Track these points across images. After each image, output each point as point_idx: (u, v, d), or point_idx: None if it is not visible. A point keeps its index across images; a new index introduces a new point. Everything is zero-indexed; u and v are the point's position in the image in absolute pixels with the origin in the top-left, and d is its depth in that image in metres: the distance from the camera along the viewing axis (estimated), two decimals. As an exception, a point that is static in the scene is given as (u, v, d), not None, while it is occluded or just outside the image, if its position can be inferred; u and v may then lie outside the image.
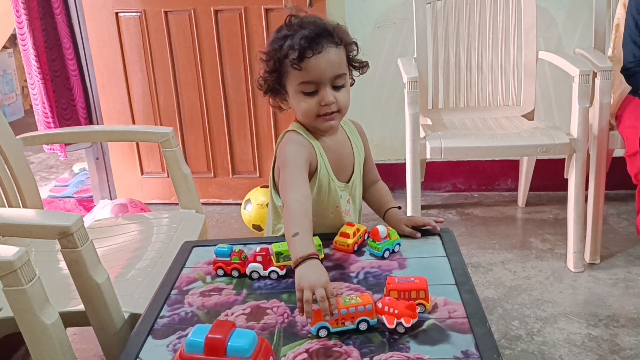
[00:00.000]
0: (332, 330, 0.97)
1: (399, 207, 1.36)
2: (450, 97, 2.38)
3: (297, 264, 1.03)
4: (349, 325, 0.97)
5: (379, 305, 0.99)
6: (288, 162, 1.22)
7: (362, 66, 1.29)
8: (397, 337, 0.96)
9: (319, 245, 1.17)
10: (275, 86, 1.26)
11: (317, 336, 0.97)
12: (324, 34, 1.19)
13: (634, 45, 2.00)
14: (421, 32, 2.31)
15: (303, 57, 1.18)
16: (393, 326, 0.96)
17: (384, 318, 0.98)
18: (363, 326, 0.98)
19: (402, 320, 0.95)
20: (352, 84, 1.29)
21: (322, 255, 1.18)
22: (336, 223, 1.30)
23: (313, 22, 1.21)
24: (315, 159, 1.26)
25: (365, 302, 0.98)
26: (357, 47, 1.26)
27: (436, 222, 1.29)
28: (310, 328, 0.98)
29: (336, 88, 1.22)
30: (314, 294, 0.96)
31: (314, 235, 1.16)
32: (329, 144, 1.29)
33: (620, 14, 2.16)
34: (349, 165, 1.33)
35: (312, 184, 1.27)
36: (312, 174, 1.27)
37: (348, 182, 1.33)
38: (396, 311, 0.96)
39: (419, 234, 1.28)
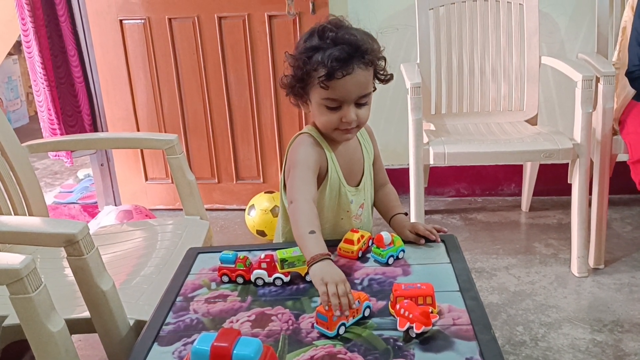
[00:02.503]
0: (347, 325, 1.00)
1: (406, 214, 1.37)
2: (454, 103, 2.38)
3: (315, 262, 1.05)
4: (358, 316, 1.02)
5: (397, 307, 1.00)
6: (298, 163, 1.24)
7: (388, 79, 1.27)
8: (401, 344, 0.97)
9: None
10: (298, 91, 1.25)
11: (334, 338, 0.99)
12: (356, 55, 1.18)
13: (639, 48, 2.00)
14: (424, 38, 2.32)
15: (332, 78, 1.17)
16: (403, 329, 0.97)
17: (397, 319, 0.99)
18: (367, 312, 1.03)
19: (413, 325, 0.96)
20: (374, 90, 1.28)
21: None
22: (347, 228, 1.31)
23: (347, 39, 1.17)
24: (326, 163, 1.27)
25: (357, 295, 1.02)
26: (385, 61, 1.25)
27: (439, 230, 1.29)
28: (328, 332, 0.99)
29: (359, 105, 1.23)
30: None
31: None
32: (340, 150, 1.31)
33: (627, 17, 2.15)
34: (359, 170, 1.34)
35: (323, 188, 1.28)
36: (322, 178, 1.28)
37: (358, 185, 1.33)
38: (410, 315, 0.97)
39: (422, 240, 1.28)
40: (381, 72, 1.25)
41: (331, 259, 1.07)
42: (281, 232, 1.40)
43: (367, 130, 1.41)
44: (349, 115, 1.21)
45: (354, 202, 1.32)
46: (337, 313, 0.98)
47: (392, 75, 1.27)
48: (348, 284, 1.00)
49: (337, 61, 1.15)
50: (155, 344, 1.02)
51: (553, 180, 2.59)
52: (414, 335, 0.97)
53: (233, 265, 1.18)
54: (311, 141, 1.28)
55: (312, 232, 1.11)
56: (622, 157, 2.10)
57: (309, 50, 1.19)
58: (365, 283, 1.15)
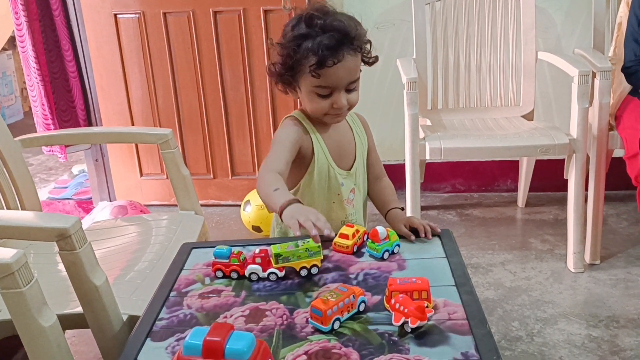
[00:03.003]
0: (342, 320, 0.99)
1: (402, 208, 1.36)
2: (450, 98, 2.38)
3: (284, 208, 1.08)
4: (353, 311, 1.01)
5: (392, 301, 0.99)
6: (275, 142, 1.27)
7: (374, 62, 1.29)
8: (396, 338, 0.96)
9: (318, 246, 1.16)
10: (287, 79, 1.26)
11: (329, 333, 0.98)
12: (346, 42, 1.18)
13: (635, 43, 2.00)
14: (420, 33, 2.31)
15: (323, 66, 1.18)
16: (398, 324, 0.96)
17: (392, 314, 0.98)
18: (362, 307, 1.02)
19: (409, 320, 0.95)
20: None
21: (322, 257, 1.18)
22: (339, 213, 1.31)
23: (335, 26, 1.18)
24: (311, 146, 1.28)
25: (351, 290, 1.02)
26: (371, 44, 1.27)
27: (433, 229, 1.28)
28: (322, 327, 0.98)
29: (349, 90, 1.24)
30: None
31: None
32: (329, 133, 1.31)
33: (623, 12, 2.15)
34: (350, 153, 1.34)
35: (311, 171, 1.29)
36: (308, 162, 1.29)
37: (350, 169, 1.33)
38: (406, 310, 0.96)
39: (413, 237, 1.27)
40: (367, 55, 1.26)
41: (301, 202, 1.10)
42: (276, 229, 1.40)
43: (360, 119, 1.41)
44: (340, 101, 1.22)
45: (344, 185, 1.32)
46: (314, 232, 1.03)
47: (377, 57, 1.29)
48: (321, 215, 1.05)
49: (327, 49, 1.16)
50: (149, 339, 1.01)
51: (549, 176, 2.59)
52: (409, 330, 0.96)
53: (227, 260, 1.17)
54: (293, 123, 1.29)
55: (276, 189, 1.14)
56: (618, 152, 2.10)
57: (297, 39, 1.20)
58: (360, 278, 1.15)
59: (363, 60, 1.26)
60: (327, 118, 1.27)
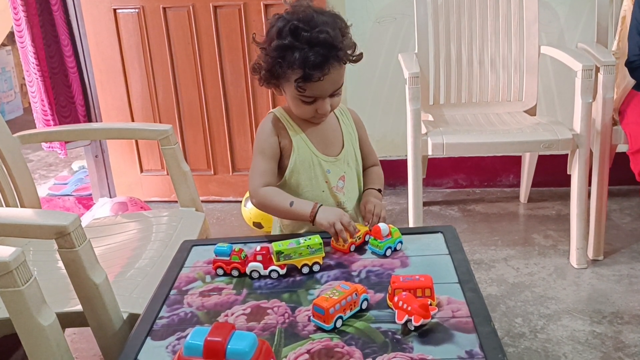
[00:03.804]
0: (344, 318, 0.98)
1: (379, 190, 1.39)
2: (452, 93, 2.36)
3: (315, 214, 1.22)
4: (356, 309, 1.01)
5: (395, 299, 0.98)
6: (257, 152, 1.31)
7: (358, 59, 1.29)
8: (399, 337, 0.95)
9: (320, 244, 1.15)
10: (272, 82, 1.28)
11: (331, 331, 0.97)
12: (332, 54, 1.18)
13: (639, 37, 1.98)
14: (422, 27, 2.29)
15: (309, 80, 1.19)
16: (402, 322, 0.95)
17: (395, 312, 0.97)
18: (365, 305, 1.02)
19: (412, 318, 0.94)
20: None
21: (324, 254, 1.17)
22: (331, 201, 1.31)
23: (323, 40, 1.17)
24: (289, 139, 1.30)
25: (353, 287, 1.00)
26: (356, 47, 1.27)
27: (379, 217, 1.28)
28: (325, 325, 0.97)
29: (332, 95, 1.25)
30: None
31: (315, 233, 1.19)
32: (308, 122, 1.32)
33: (627, 6, 2.14)
34: (336, 140, 1.35)
35: (293, 161, 1.30)
36: (287, 156, 1.30)
37: (338, 155, 1.33)
38: (409, 308, 0.95)
39: (366, 222, 1.29)
40: (352, 56, 1.26)
41: (322, 205, 1.23)
42: (278, 226, 1.40)
43: (352, 114, 1.41)
44: (324, 108, 1.25)
45: (331, 172, 1.32)
46: (348, 239, 1.19)
47: (361, 54, 1.29)
48: (347, 214, 1.21)
49: (314, 67, 1.17)
50: (149, 338, 1.00)
51: (552, 171, 2.57)
52: (413, 328, 0.95)
53: (228, 258, 1.16)
54: (269, 126, 1.31)
55: (292, 202, 1.25)
56: (622, 147, 2.08)
57: (281, 49, 1.19)
58: (363, 275, 1.13)
59: (349, 61, 1.27)
60: (311, 119, 1.30)
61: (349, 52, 1.24)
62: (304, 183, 1.31)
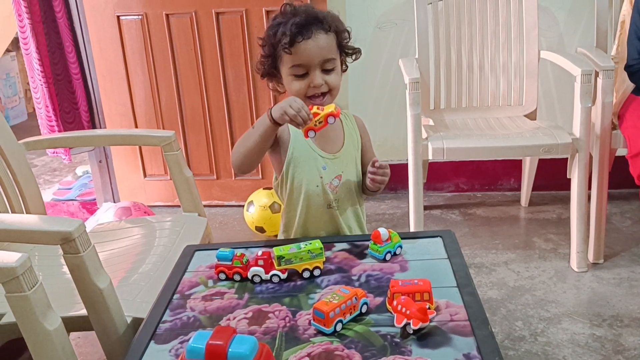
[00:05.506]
0: (344, 322, 1.00)
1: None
2: (452, 98, 2.37)
3: (270, 114, 1.22)
4: (355, 312, 1.02)
5: (394, 303, 1.00)
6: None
7: (354, 52, 1.35)
8: (398, 340, 0.96)
9: (321, 248, 1.17)
10: (271, 70, 1.34)
11: (332, 335, 0.98)
12: (314, 21, 1.27)
13: (638, 42, 1.99)
14: (422, 33, 2.31)
15: (294, 42, 1.26)
16: (400, 325, 0.96)
17: (394, 316, 0.98)
18: (364, 309, 1.03)
19: (411, 322, 0.95)
20: (345, 70, 1.37)
21: (324, 259, 1.19)
22: (320, 198, 1.32)
23: (305, 10, 1.29)
24: (288, 129, 1.33)
25: (353, 291, 1.02)
26: (349, 34, 1.33)
27: (379, 167, 1.31)
28: (325, 329, 0.98)
29: (326, 71, 1.29)
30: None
31: (314, 238, 1.21)
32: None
33: (626, 10, 2.15)
34: (336, 138, 1.37)
35: (291, 151, 1.32)
36: (286, 145, 1.33)
37: (337, 153, 1.35)
38: (408, 312, 0.96)
39: (368, 181, 1.32)
40: (345, 42, 1.32)
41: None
42: (282, 230, 1.41)
43: (357, 120, 1.43)
44: (316, 80, 1.28)
45: (327, 168, 1.33)
46: (302, 123, 1.17)
47: (359, 49, 1.36)
48: (298, 99, 1.20)
49: (296, 26, 1.25)
50: (152, 342, 1.01)
51: (552, 175, 2.59)
52: (411, 332, 0.96)
53: (230, 263, 1.18)
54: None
55: (252, 127, 1.27)
56: (621, 151, 2.10)
57: (273, 27, 1.31)
58: (363, 279, 1.15)
59: (341, 48, 1.32)
60: (308, 96, 1.30)
61: (340, 30, 1.30)
62: (299, 177, 1.32)
